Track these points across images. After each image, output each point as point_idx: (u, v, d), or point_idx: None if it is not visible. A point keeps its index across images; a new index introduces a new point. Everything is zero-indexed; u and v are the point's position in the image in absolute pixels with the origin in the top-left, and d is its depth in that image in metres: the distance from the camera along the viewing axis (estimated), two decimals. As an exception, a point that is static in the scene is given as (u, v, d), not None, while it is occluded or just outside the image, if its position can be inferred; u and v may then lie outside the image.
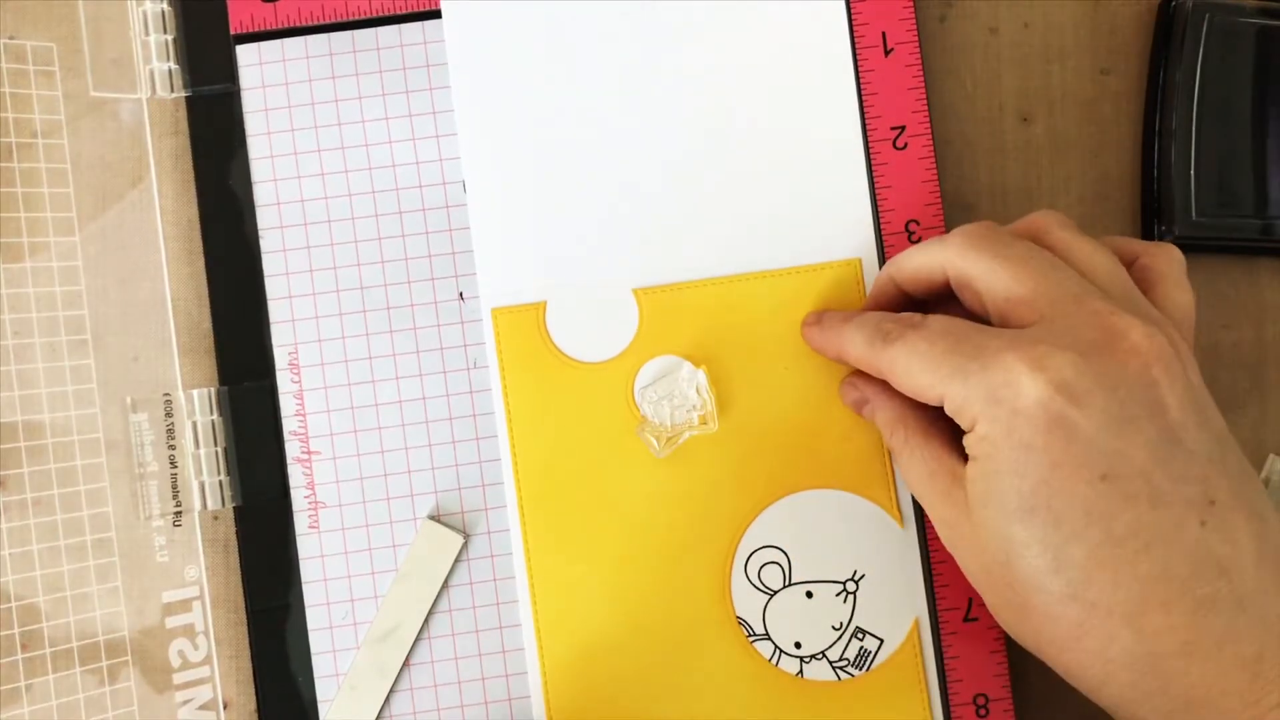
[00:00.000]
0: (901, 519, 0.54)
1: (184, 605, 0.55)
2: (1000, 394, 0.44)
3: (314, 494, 0.54)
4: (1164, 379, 0.43)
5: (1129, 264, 0.49)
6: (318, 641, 0.54)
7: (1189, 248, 0.54)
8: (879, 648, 0.53)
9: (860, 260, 0.54)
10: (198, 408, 0.55)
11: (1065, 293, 0.45)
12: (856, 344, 0.50)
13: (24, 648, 0.54)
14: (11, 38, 0.55)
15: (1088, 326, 0.44)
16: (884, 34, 0.55)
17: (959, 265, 0.47)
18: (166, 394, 0.55)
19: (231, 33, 0.55)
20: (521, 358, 0.54)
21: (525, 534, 0.54)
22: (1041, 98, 0.56)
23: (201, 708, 0.54)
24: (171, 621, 0.54)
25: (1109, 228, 0.56)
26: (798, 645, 0.53)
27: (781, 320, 0.54)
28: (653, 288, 0.54)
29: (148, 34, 0.55)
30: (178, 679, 0.54)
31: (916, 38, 0.55)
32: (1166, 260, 0.48)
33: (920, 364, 0.46)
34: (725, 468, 0.54)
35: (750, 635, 0.53)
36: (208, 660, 0.55)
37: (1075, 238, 0.48)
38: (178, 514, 0.54)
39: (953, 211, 0.55)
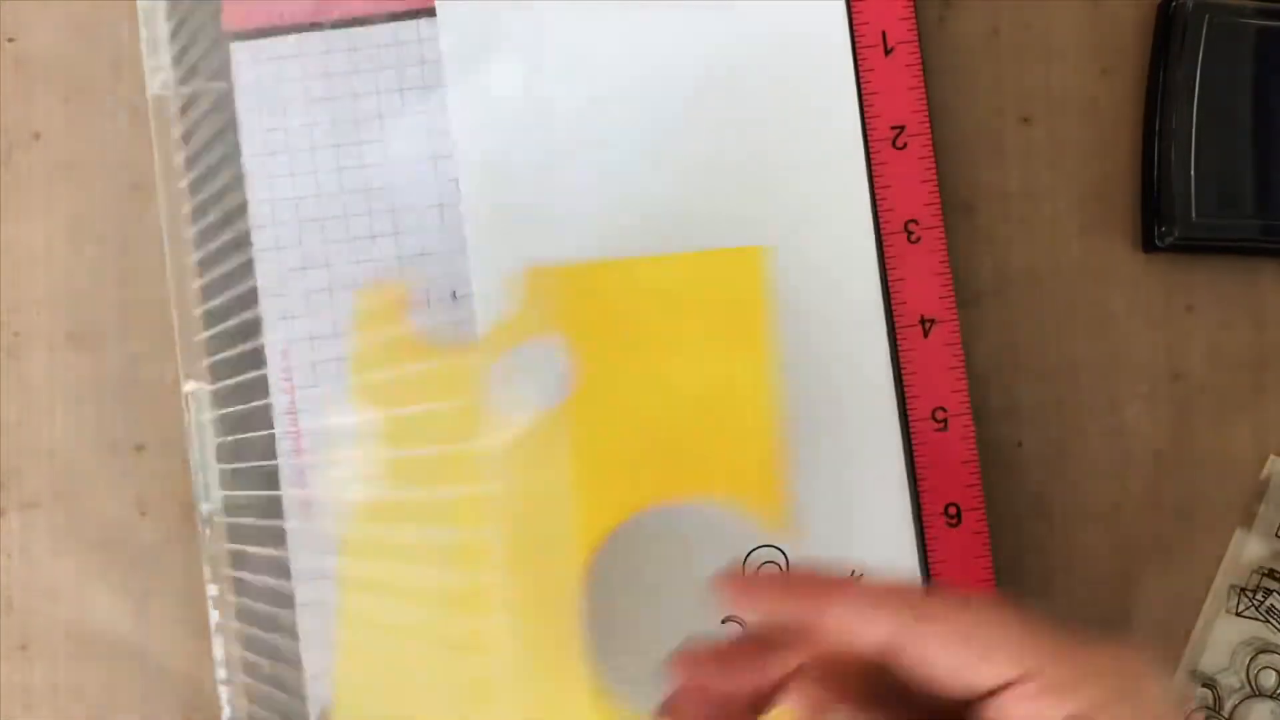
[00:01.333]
0: (787, 525, 0.53)
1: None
2: (1129, 689, 0.37)
3: (304, 493, 0.54)
4: None
5: None
6: (307, 641, 0.54)
7: (1189, 248, 0.55)
8: None
9: (760, 250, 0.53)
10: (191, 405, 0.54)
11: None
12: (875, 617, 0.39)
13: (25, 649, 0.54)
14: (10, 39, 0.55)
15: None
16: (884, 33, 0.55)
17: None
18: (168, 388, 0.55)
19: (225, 30, 0.55)
20: (375, 341, 0.54)
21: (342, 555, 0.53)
22: (1041, 98, 0.56)
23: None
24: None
25: (1109, 228, 0.56)
26: None
27: (669, 309, 0.53)
28: (551, 266, 0.54)
29: (142, 32, 0.55)
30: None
31: (916, 37, 0.55)
32: None
33: (990, 639, 0.37)
34: (579, 470, 0.53)
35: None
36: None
37: None
38: (183, 512, 0.54)
39: (953, 212, 0.55)
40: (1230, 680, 0.54)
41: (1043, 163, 0.56)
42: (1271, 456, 0.55)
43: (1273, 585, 0.54)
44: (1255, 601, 0.54)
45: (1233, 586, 0.55)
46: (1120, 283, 0.56)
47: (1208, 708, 0.54)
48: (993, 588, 0.53)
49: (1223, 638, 0.55)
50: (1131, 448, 0.56)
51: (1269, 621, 0.54)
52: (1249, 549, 0.55)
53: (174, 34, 0.55)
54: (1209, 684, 0.54)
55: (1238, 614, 0.55)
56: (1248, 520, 0.55)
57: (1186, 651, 0.55)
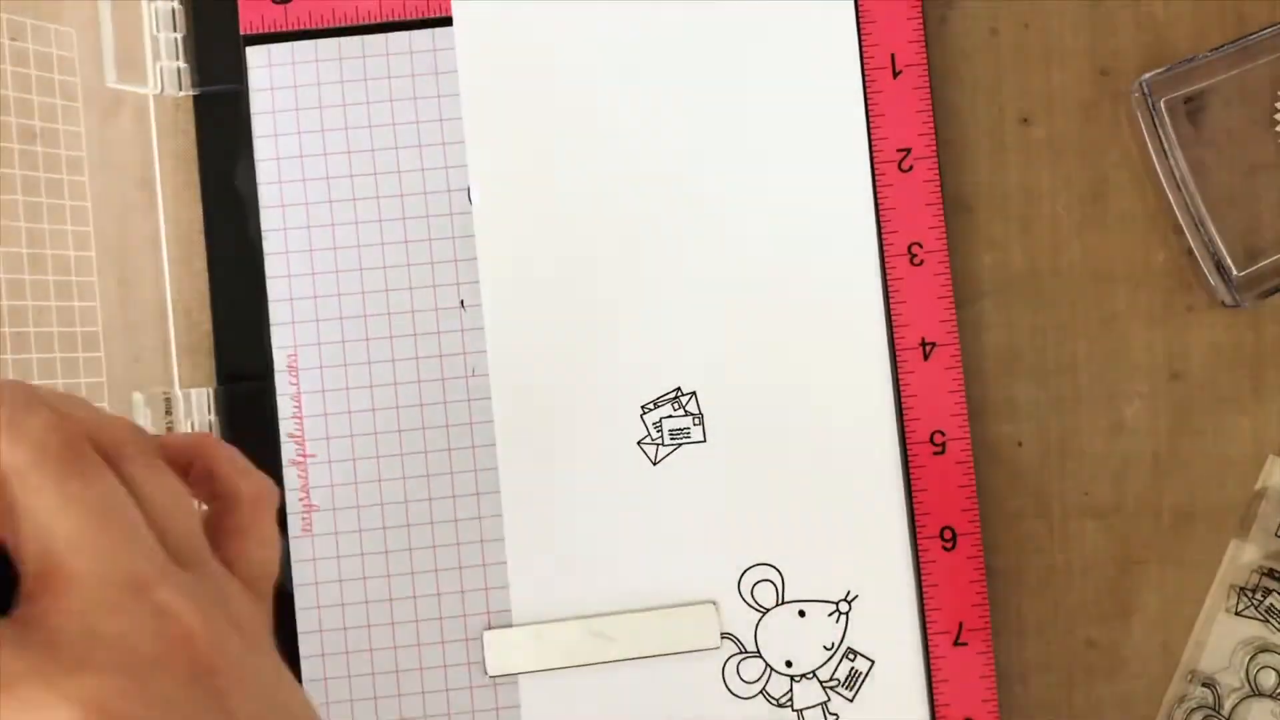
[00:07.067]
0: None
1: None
2: None
3: (308, 497, 0.53)
4: (229, 683, 0.33)
5: (217, 502, 0.39)
6: (306, 645, 0.53)
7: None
8: (870, 669, 0.53)
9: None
10: (195, 407, 0.54)
11: (127, 576, 0.33)
12: None
13: None
14: (13, 40, 0.54)
15: (146, 630, 0.32)
16: (893, 55, 0.54)
17: (16, 483, 0.33)
18: (165, 391, 0.54)
19: (241, 34, 0.54)
20: None
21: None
22: (1041, 98, 0.55)
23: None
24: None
25: (1109, 228, 0.55)
26: (788, 664, 0.53)
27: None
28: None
29: (157, 31, 0.54)
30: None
31: (925, 60, 0.54)
32: (252, 511, 0.38)
33: None
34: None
35: (740, 652, 0.53)
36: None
37: (153, 475, 0.35)
38: None
39: (953, 212, 0.54)
40: (1230, 680, 0.54)
41: (1043, 163, 0.55)
42: (1271, 456, 0.54)
43: (1272, 585, 0.54)
44: (1255, 601, 0.54)
45: (1232, 586, 0.54)
46: (1120, 283, 0.55)
47: (1207, 707, 0.54)
48: (988, 613, 0.53)
49: (1223, 637, 0.54)
50: (1131, 448, 0.55)
51: (1269, 621, 0.54)
52: (1248, 549, 0.54)
53: (189, 35, 0.55)
54: (1209, 684, 0.54)
55: (1238, 614, 0.54)
56: (1247, 520, 0.54)
57: (1186, 651, 0.54)
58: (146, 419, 0.53)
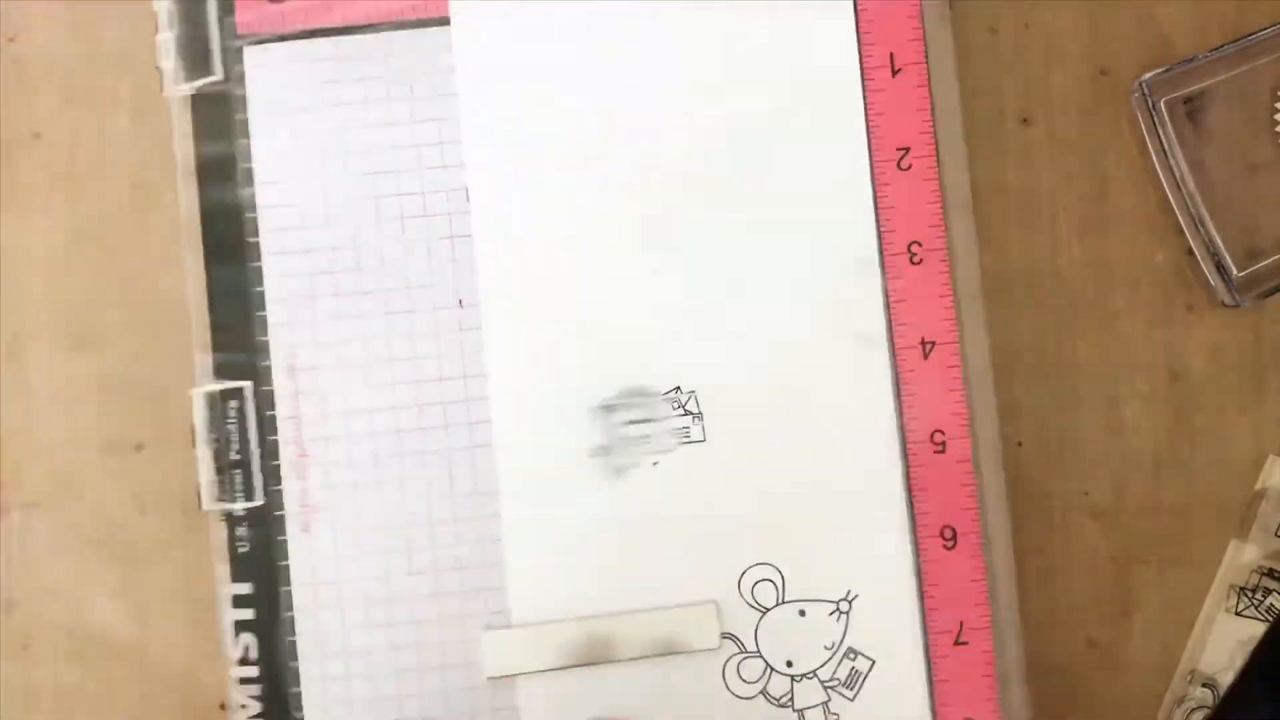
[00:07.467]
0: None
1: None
2: None
3: (307, 497, 0.53)
4: None
5: None
6: (305, 645, 0.53)
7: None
8: (870, 669, 0.52)
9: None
10: (194, 407, 0.53)
11: None
12: None
13: (25, 649, 0.53)
14: (11, 39, 0.54)
15: None
16: (891, 55, 0.54)
17: None
18: (186, 393, 0.54)
19: (238, 33, 0.54)
20: None
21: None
22: (1041, 98, 0.55)
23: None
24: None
25: (1110, 228, 0.54)
26: (789, 664, 0.53)
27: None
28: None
29: (154, 32, 0.54)
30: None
31: (924, 59, 0.54)
32: None
33: None
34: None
35: (741, 652, 0.52)
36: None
37: None
38: (183, 513, 0.54)
39: (953, 213, 0.54)
40: (1230, 680, 0.53)
41: (1043, 163, 0.55)
42: (1271, 456, 0.54)
43: (1272, 585, 0.53)
44: (1255, 601, 0.53)
45: (1233, 586, 0.53)
46: (1120, 283, 0.54)
47: (1207, 707, 0.53)
48: (988, 612, 0.53)
49: (1223, 637, 0.53)
50: (1131, 448, 0.54)
51: (1269, 621, 0.53)
52: (1249, 548, 0.54)
53: (187, 35, 0.54)
54: (1209, 684, 0.53)
55: (1238, 614, 0.53)
56: (1247, 520, 0.54)
57: (1186, 651, 0.54)
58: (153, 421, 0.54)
